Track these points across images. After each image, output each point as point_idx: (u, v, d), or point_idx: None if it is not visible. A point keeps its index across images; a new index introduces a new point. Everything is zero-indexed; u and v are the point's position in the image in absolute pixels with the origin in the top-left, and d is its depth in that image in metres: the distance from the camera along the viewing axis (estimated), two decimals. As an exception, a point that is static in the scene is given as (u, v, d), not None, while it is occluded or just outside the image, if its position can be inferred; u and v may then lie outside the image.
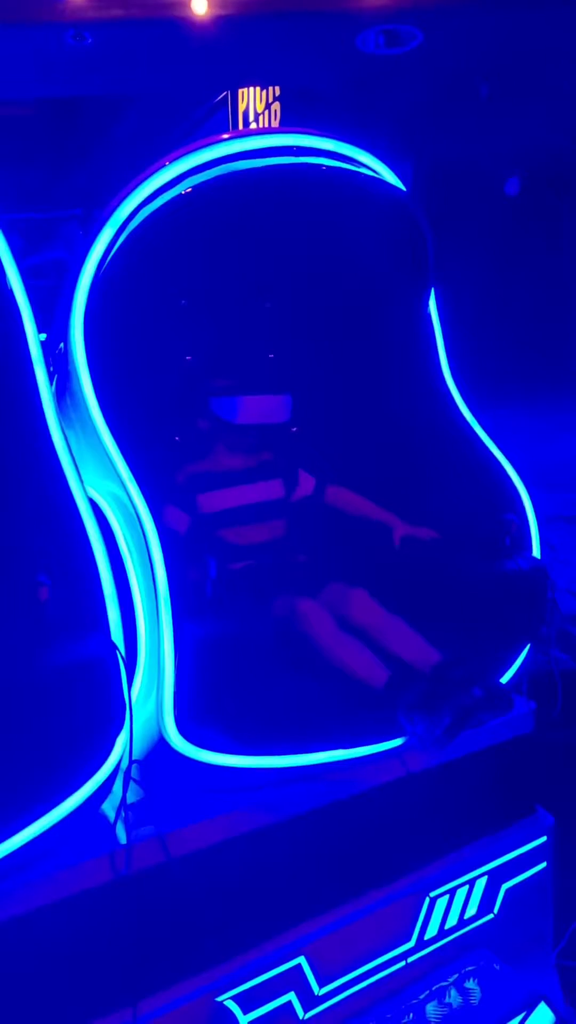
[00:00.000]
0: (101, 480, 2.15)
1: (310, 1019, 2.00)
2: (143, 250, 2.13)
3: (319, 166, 2.13)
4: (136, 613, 1.96)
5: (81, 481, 1.92)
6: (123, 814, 1.82)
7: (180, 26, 3.13)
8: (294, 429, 2.64)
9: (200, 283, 2.39)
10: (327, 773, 2.03)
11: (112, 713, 1.78)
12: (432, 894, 2.26)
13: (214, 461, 2.42)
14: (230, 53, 3.38)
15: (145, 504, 1.99)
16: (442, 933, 2.26)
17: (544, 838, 2.40)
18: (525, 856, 2.42)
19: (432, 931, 2.23)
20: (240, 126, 4.39)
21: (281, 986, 1.97)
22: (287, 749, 1.94)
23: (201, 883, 1.91)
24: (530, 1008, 2.13)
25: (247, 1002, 1.92)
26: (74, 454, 1.95)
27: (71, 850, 1.79)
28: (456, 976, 2.24)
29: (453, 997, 2.18)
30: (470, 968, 2.26)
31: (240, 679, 1.90)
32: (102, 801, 1.86)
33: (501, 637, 2.24)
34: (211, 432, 2.42)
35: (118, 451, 2.07)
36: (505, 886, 2.36)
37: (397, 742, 2.05)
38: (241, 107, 4.32)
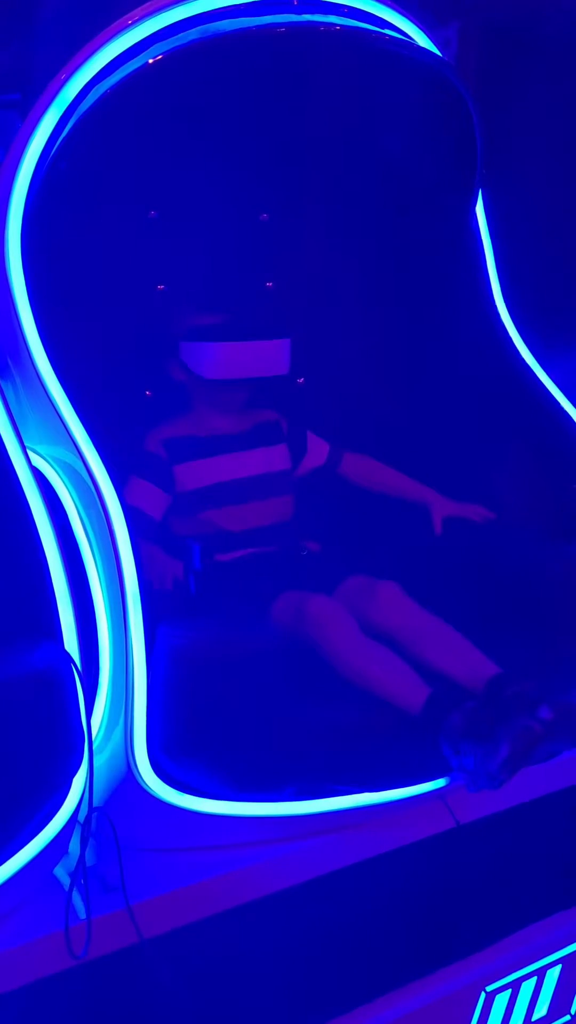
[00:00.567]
0: (47, 445, 2.14)
1: None
2: (98, 142, 2.13)
3: (331, 25, 2.12)
4: (97, 616, 1.96)
5: (22, 444, 1.92)
6: (80, 880, 1.81)
7: None
8: (300, 380, 2.65)
9: (174, 187, 2.39)
10: (348, 824, 2.02)
11: (66, 746, 1.77)
12: (489, 988, 2.26)
13: (196, 422, 2.42)
14: None
15: (107, 475, 1.99)
16: (503, 1040, 2.26)
17: None
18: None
19: (490, 1037, 2.24)
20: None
21: None
22: (294, 792, 1.93)
23: (182, 972, 1.90)
24: None
25: None
26: (11, 409, 1.95)
27: (12, 929, 1.78)
28: None
29: None
30: None
31: (232, 700, 1.88)
32: (54, 863, 1.86)
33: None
34: (192, 385, 2.41)
35: (70, 406, 2.07)
36: (587, 978, 2.36)
37: (441, 783, 2.04)
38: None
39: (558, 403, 2.46)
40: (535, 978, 2.33)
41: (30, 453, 1.99)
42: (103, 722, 1.96)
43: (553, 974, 2.35)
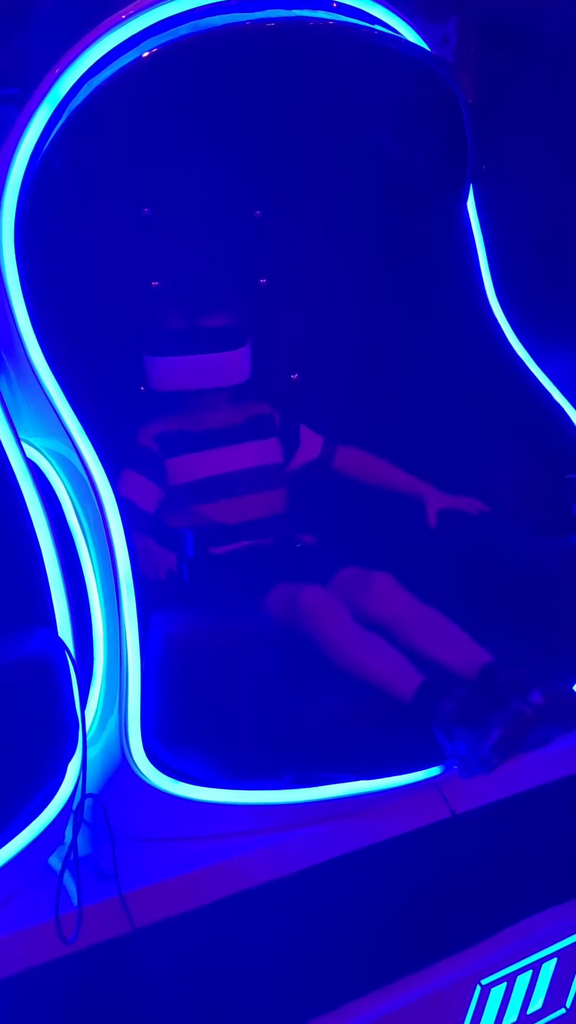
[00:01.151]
0: (42, 437, 2.16)
1: None
2: (90, 137, 2.15)
3: (321, 20, 2.14)
4: (91, 604, 1.97)
5: (16, 436, 1.94)
6: (72, 867, 1.82)
7: None
8: (294, 377, 2.67)
9: (168, 183, 2.42)
10: (344, 813, 2.02)
11: (60, 733, 1.79)
12: (484, 981, 2.26)
13: (188, 417, 2.43)
14: None
15: (100, 466, 2.01)
16: (499, 1033, 2.26)
17: None
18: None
19: (486, 1030, 2.24)
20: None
21: None
22: (289, 781, 1.93)
23: (175, 961, 1.91)
24: None
25: None
26: (5, 402, 1.97)
27: (6, 917, 1.79)
28: None
29: None
30: None
31: (227, 688, 1.89)
32: (48, 852, 1.87)
33: (569, 634, 2.24)
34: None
35: (65, 400, 2.09)
36: (582, 971, 2.37)
37: (435, 771, 2.05)
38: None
39: (551, 396, 2.47)
40: (530, 972, 2.33)
41: (25, 445, 2.02)
42: (98, 710, 1.97)
43: (548, 968, 2.36)
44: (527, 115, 3.43)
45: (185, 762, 1.89)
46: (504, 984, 2.29)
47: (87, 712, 1.93)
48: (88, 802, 1.84)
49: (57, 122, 2.12)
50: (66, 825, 1.85)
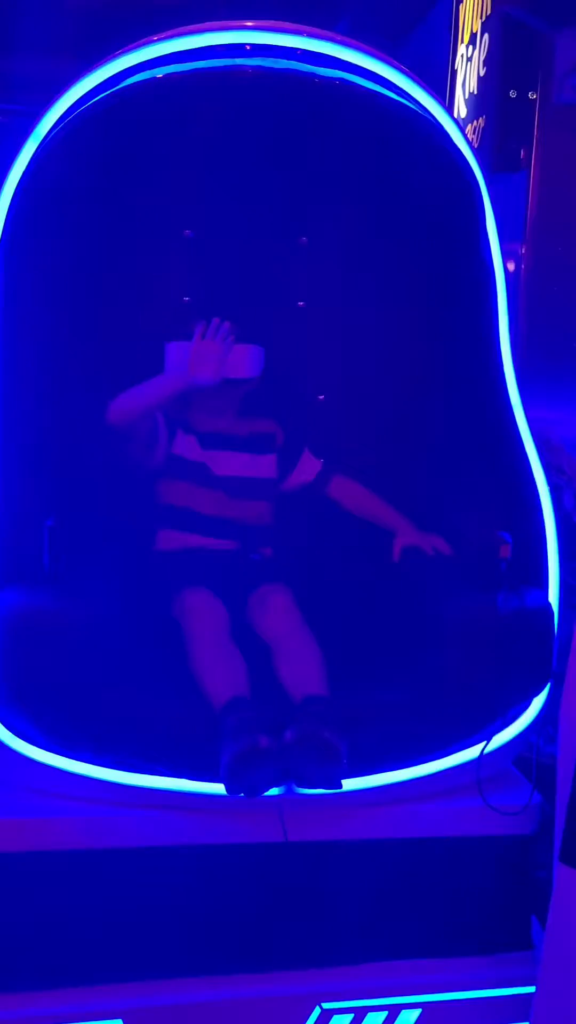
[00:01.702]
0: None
1: None
2: (129, 156, 2.43)
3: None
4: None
5: None
6: None
7: None
8: (321, 398, 2.77)
9: (207, 210, 2.62)
10: (171, 805, 2.17)
11: None
12: (326, 1005, 2.30)
13: (195, 420, 2.61)
14: None
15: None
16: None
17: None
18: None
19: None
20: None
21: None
22: (110, 760, 2.12)
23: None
24: None
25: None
26: None
27: None
28: None
29: None
30: None
31: (74, 671, 2.10)
32: None
33: (461, 694, 2.21)
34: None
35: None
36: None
37: (275, 791, 2.13)
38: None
39: (521, 449, 2.42)
40: (384, 1012, 2.33)
41: None
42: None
43: (410, 1016, 2.34)
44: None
45: (12, 718, 2.13)
46: (351, 1015, 2.31)
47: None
48: None
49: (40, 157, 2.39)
50: None
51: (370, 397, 2.71)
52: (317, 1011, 2.30)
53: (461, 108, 4.48)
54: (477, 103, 4.22)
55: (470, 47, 4.40)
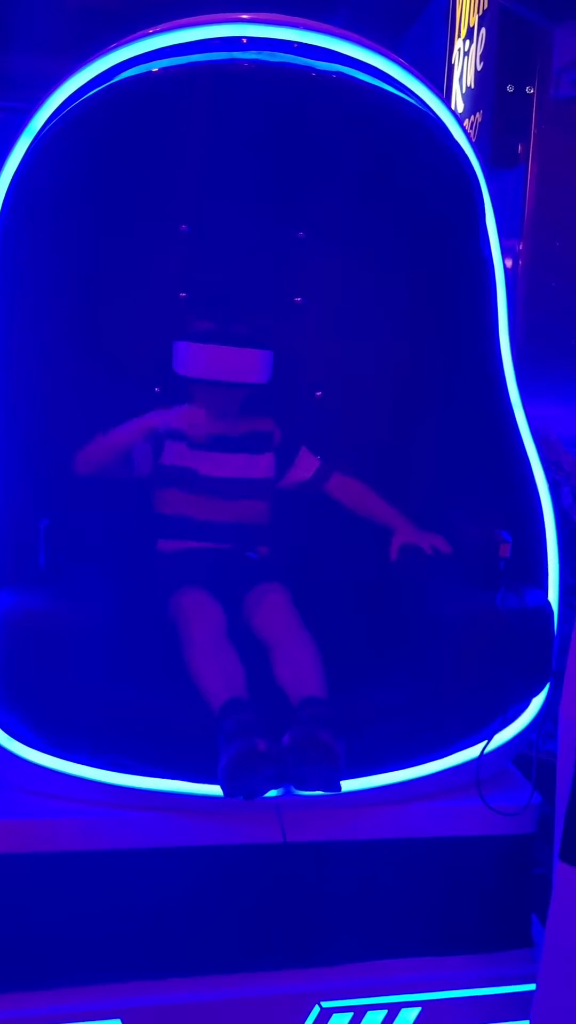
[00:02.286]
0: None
1: None
2: (124, 151, 2.39)
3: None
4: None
5: None
6: None
7: None
8: (319, 394, 2.74)
9: (203, 204, 2.58)
10: (169, 807, 2.14)
11: None
12: (325, 1004, 2.27)
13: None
14: None
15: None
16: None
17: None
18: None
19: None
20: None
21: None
22: (107, 762, 2.09)
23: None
24: None
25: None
26: None
27: None
28: None
29: None
30: None
31: (70, 672, 2.07)
32: None
33: (460, 694, 2.18)
34: (192, 386, 2.57)
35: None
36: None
37: (273, 793, 2.10)
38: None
39: (521, 449, 2.38)
40: (384, 1011, 2.31)
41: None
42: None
43: (409, 1014, 2.32)
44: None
45: (8, 720, 2.10)
46: (350, 1014, 2.29)
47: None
48: None
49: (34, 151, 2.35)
50: None
51: (368, 394, 2.68)
52: (316, 1010, 2.28)
53: (458, 103, 4.43)
54: (474, 98, 4.18)
55: (467, 41, 4.36)
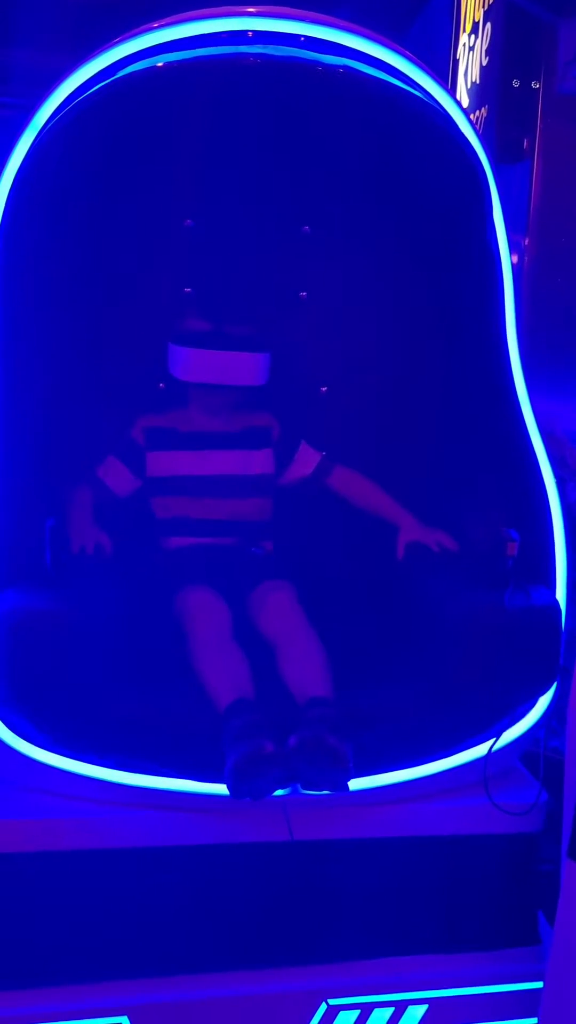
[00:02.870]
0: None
1: None
2: (129, 147, 2.36)
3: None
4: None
5: None
6: None
7: None
8: (324, 389, 2.71)
9: (208, 199, 2.55)
10: (175, 806, 2.12)
11: None
12: (332, 1001, 2.25)
13: (184, 418, 2.56)
14: None
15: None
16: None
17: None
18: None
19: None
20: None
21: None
22: (114, 760, 2.07)
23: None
24: None
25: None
26: None
27: None
28: None
29: None
30: None
31: (76, 671, 2.05)
32: None
33: (467, 693, 2.16)
34: (188, 384, 2.54)
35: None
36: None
37: (279, 792, 2.08)
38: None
39: (528, 444, 2.36)
40: (391, 1008, 2.29)
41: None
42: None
43: (416, 1011, 2.30)
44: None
45: (15, 719, 2.08)
46: (357, 1011, 2.27)
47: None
48: None
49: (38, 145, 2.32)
50: None
51: (373, 389, 2.66)
52: (323, 1007, 2.26)
53: (463, 98, 4.40)
54: (479, 93, 4.14)
55: (472, 36, 4.32)
